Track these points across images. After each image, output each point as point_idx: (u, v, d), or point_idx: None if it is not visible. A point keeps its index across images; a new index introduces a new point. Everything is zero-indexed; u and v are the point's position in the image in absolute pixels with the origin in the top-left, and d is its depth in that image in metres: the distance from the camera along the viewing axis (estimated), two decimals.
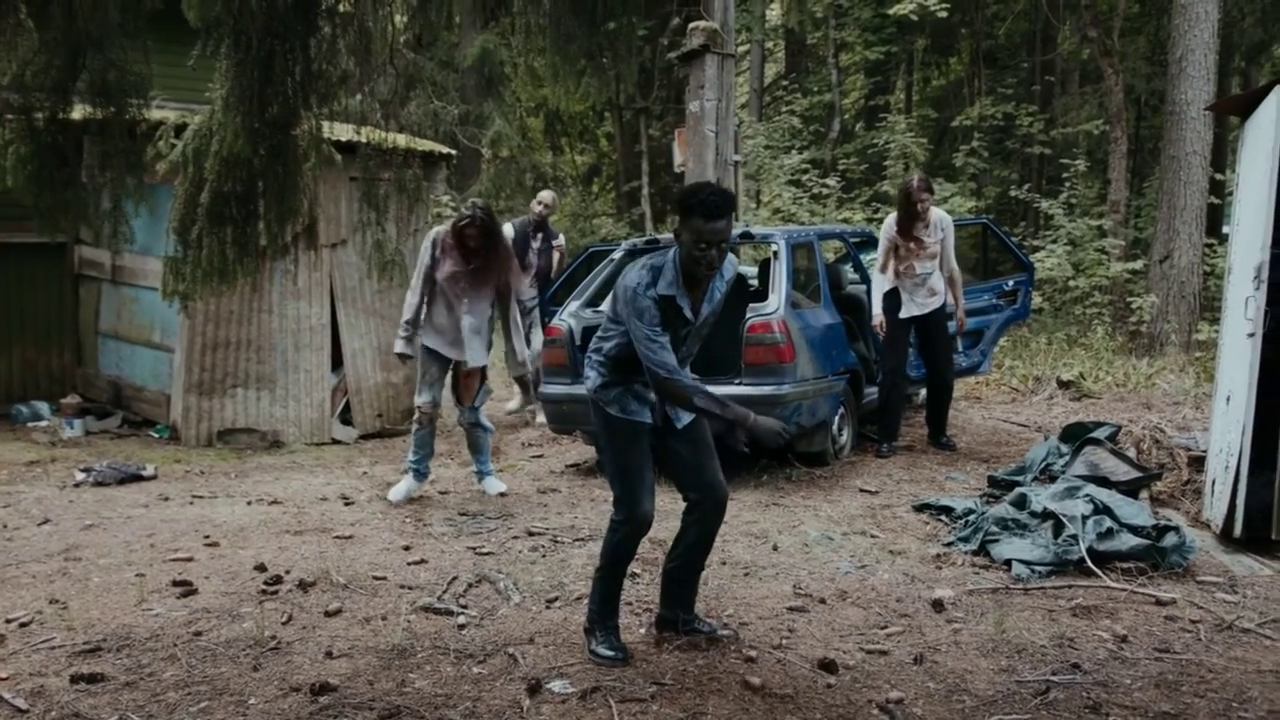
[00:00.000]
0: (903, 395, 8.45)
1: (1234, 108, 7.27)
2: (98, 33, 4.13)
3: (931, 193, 8.10)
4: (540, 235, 10.05)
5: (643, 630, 4.50)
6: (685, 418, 4.26)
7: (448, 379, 7.17)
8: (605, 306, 7.74)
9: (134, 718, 3.79)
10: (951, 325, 8.30)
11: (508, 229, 10.06)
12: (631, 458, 4.21)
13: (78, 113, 4.48)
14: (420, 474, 7.13)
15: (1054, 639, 4.46)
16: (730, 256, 4.22)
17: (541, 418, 9.34)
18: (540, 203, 10.14)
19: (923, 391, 8.96)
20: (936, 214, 8.08)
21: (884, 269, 8.13)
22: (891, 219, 8.15)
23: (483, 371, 7.15)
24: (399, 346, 7.16)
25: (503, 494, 7.18)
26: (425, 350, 7.05)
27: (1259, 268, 5.61)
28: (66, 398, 10.18)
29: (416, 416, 7.07)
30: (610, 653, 4.17)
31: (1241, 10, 17.75)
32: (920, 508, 6.61)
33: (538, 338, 9.70)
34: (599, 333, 4.33)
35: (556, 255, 10.17)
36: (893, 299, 8.08)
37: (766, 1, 23.49)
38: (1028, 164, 20.78)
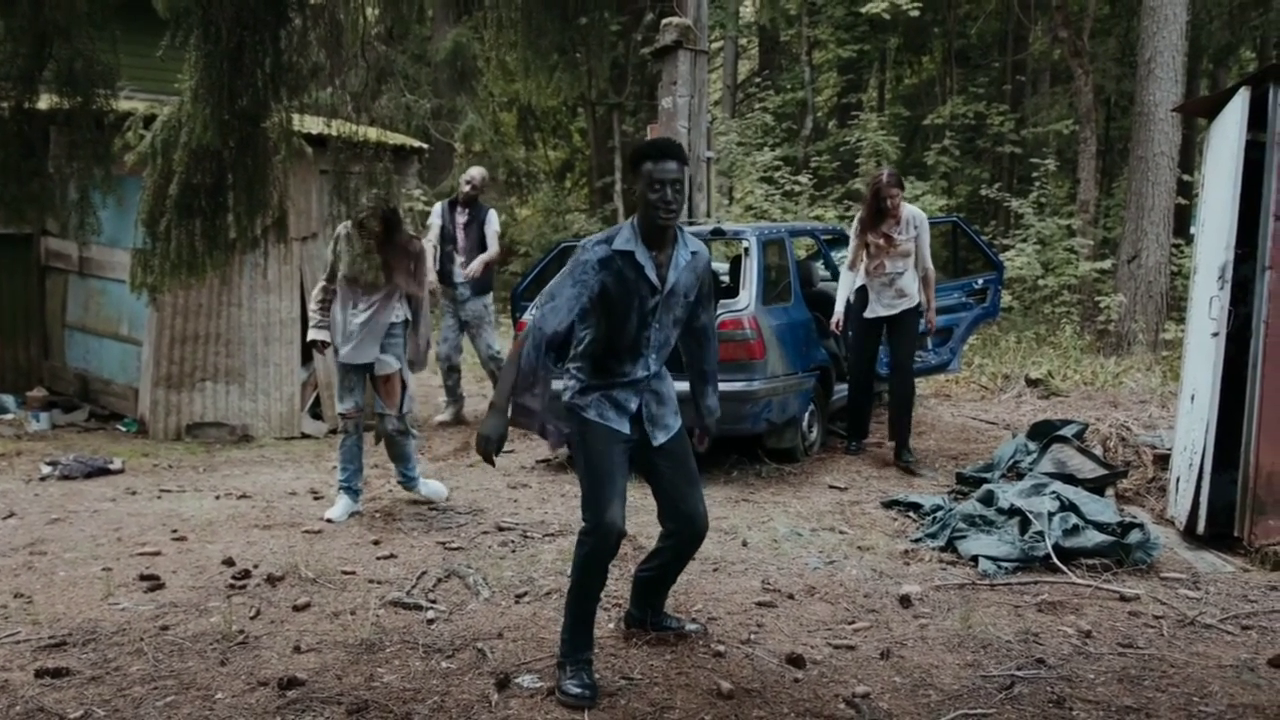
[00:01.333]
0: (871, 394, 8.26)
1: (1201, 109, 7.35)
2: (65, 22, 4.09)
3: (902, 188, 7.80)
4: (467, 211, 9.48)
5: (611, 625, 4.51)
6: (661, 436, 4.08)
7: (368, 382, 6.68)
8: None
9: (99, 712, 3.77)
10: (921, 326, 8.02)
11: (435, 208, 9.73)
12: (602, 461, 3.96)
13: (44, 102, 4.43)
14: (353, 492, 6.62)
15: (1019, 634, 4.50)
16: (701, 245, 4.11)
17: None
18: (468, 181, 9.58)
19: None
20: (910, 211, 7.78)
21: (853, 266, 7.86)
22: (861, 214, 7.92)
23: (401, 375, 6.58)
24: (313, 333, 6.66)
25: (434, 499, 6.84)
26: (338, 356, 6.63)
27: (1223, 267, 5.68)
28: (33, 390, 10.08)
29: (341, 425, 6.62)
30: (579, 690, 3.80)
31: (1209, 13, 17.96)
32: (889, 504, 6.65)
33: (491, 335, 9.66)
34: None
35: (491, 234, 9.50)
36: (861, 297, 7.83)
37: None
38: (998, 163, 20.95)
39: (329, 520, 6.41)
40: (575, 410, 4.04)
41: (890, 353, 7.95)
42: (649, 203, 3.83)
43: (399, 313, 6.59)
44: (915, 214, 7.82)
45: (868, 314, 7.81)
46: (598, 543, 3.88)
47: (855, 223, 7.93)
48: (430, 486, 6.92)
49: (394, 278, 6.49)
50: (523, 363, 3.80)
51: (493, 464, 3.90)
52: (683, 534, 4.16)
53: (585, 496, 3.97)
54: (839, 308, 7.91)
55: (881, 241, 7.69)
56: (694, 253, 4.04)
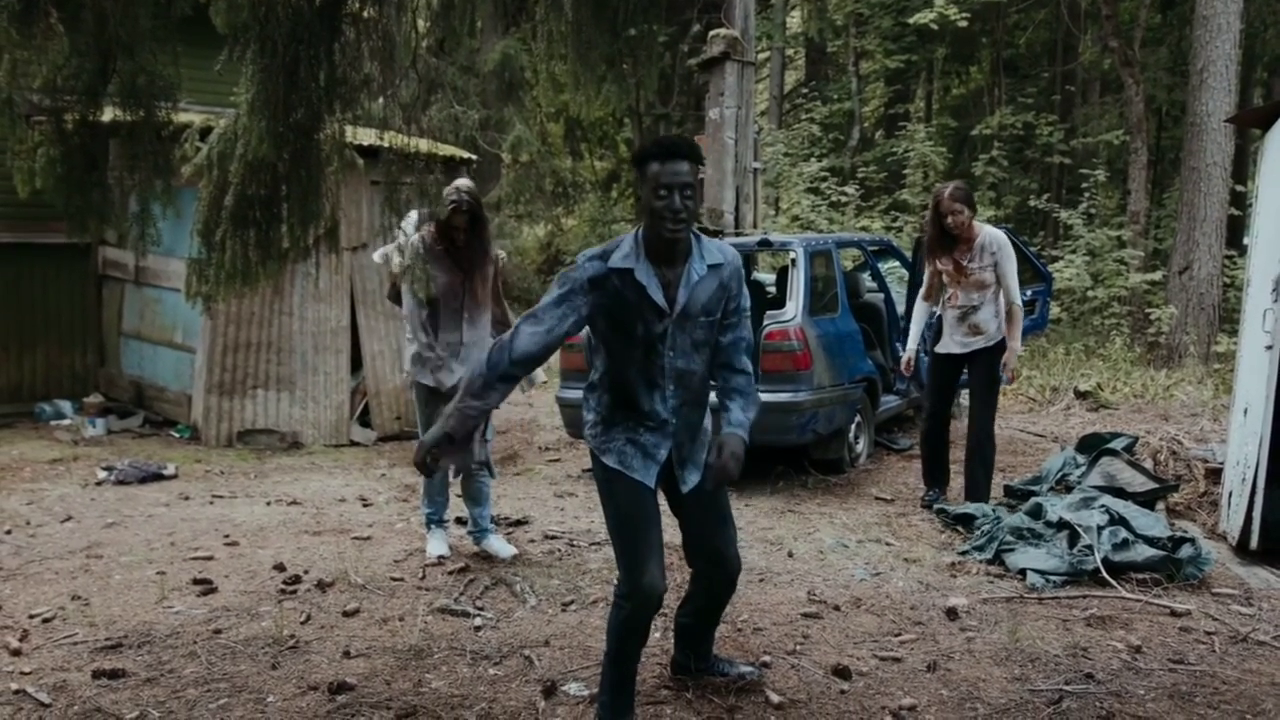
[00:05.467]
0: (946, 438, 7.00)
1: (1255, 120, 7.25)
2: (129, 38, 4.17)
3: (969, 205, 6.43)
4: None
5: (657, 635, 4.51)
6: (692, 479, 3.62)
7: None
8: None
9: (154, 713, 3.85)
10: (1003, 379, 6.75)
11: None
12: (632, 515, 3.50)
13: (107, 116, 4.53)
14: (444, 523, 6.00)
15: (1068, 648, 4.47)
16: (725, 245, 3.60)
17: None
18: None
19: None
20: (987, 234, 6.53)
21: (927, 296, 6.83)
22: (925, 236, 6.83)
23: None
24: (438, 378, 5.81)
25: (500, 556, 5.88)
26: (427, 389, 5.82)
27: (1277, 280, 5.61)
28: (89, 397, 10.29)
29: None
30: None
31: (1264, 22, 17.72)
32: (936, 515, 6.62)
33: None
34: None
35: None
36: (938, 328, 6.84)
37: (787, 9, 23.53)
38: (1047, 173, 20.76)
39: (433, 558, 5.79)
40: (597, 454, 3.59)
41: (968, 397, 6.94)
42: (654, 211, 3.29)
43: (489, 335, 5.82)
44: (994, 237, 6.56)
45: (939, 348, 6.78)
46: (637, 607, 3.47)
47: (924, 246, 6.92)
48: (493, 544, 5.99)
49: (474, 287, 5.80)
50: (473, 373, 3.43)
51: (426, 473, 3.57)
52: (711, 576, 3.79)
53: (618, 555, 3.56)
54: (911, 345, 6.98)
55: (951, 269, 6.60)
56: (713, 265, 3.47)
